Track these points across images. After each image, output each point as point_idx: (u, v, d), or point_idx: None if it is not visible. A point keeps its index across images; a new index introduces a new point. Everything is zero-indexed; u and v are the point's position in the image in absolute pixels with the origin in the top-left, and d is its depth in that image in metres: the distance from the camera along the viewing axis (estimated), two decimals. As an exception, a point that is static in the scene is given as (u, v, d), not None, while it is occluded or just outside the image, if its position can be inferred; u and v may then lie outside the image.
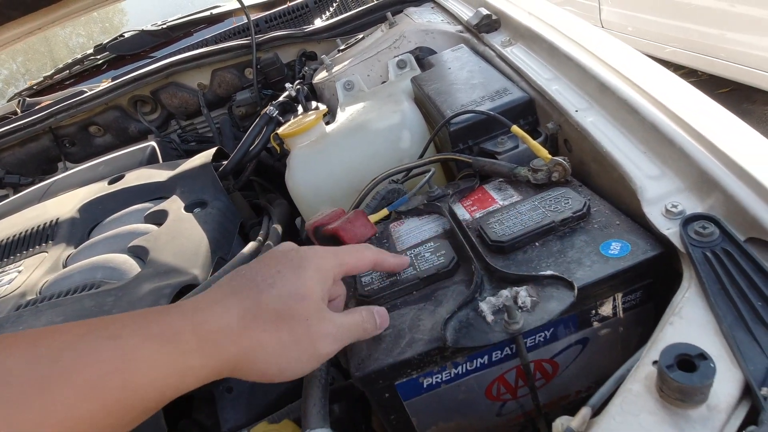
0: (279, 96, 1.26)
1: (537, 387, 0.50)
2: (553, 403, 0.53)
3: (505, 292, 0.46)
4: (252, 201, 0.98)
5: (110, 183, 0.97)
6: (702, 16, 2.20)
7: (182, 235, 0.76)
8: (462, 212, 0.62)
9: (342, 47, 1.13)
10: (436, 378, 0.47)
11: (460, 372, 0.47)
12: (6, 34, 1.19)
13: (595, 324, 0.48)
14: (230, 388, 0.62)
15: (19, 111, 1.36)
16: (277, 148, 0.85)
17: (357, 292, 0.53)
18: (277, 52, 1.23)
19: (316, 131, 0.82)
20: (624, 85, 0.59)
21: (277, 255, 0.40)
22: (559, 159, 0.58)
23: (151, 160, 1.10)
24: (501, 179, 0.66)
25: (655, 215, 0.45)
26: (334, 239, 0.57)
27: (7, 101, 1.54)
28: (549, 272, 0.46)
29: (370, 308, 0.44)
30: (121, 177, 0.98)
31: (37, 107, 1.31)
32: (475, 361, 0.47)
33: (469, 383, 0.48)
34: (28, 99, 1.39)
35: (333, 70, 1.01)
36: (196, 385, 0.33)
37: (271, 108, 0.90)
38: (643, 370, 0.34)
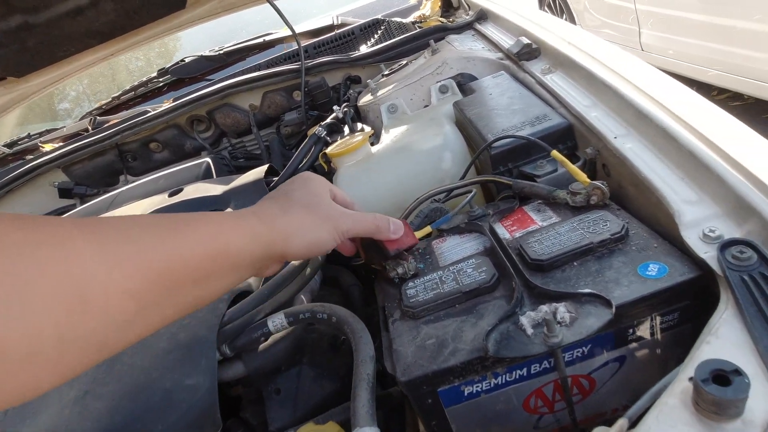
0: (325, 117, 1.34)
1: (574, 402, 0.52)
2: (589, 419, 0.55)
3: (545, 308, 0.49)
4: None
5: (170, 195, 1.05)
6: (747, 40, 2.16)
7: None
8: (502, 231, 0.65)
9: (386, 72, 1.19)
10: (477, 387, 0.50)
11: (499, 383, 0.50)
12: (84, 59, 1.32)
13: (633, 343, 0.50)
14: (278, 390, 0.66)
15: (90, 128, 1.49)
16: (325, 167, 0.91)
17: (402, 303, 0.56)
18: (324, 76, 1.31)
19: (362, 152, 0.87)
20: (661, 113, 0.61)
21: (290, 180, 0.56)
22: (597, 183, 0.61)
23: (206, 175, 1.18)
24: (540, 201, 0.69)
25: (692, 239, 0.47)
26: (376, 246, 0.61)
27: (80, 119, 1.68)
28: (587, 290, 0.48)
29: (386, 216, 0.56)
30: (180, 190, 1.06)
31: (105, 125, 1.43)
32: (514, 372, 0.50)
33: (508, 394, 0.51)
34: (98, 117, 1.52)
35: (378, 94, 1.07)
36: (259, 252, 0.44)
37: (320, 129, 0.96)
38: (679, 385, 0.36)
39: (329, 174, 0.99)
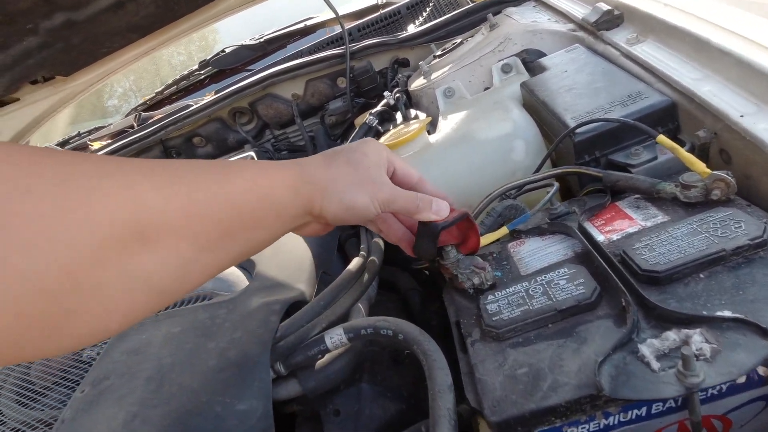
0: (371, 104, 1.25)
1: (703, 447, 0.42)
2: (717, 465, 0.45)
3: (672, 335, 0.39)
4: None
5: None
6: None
7: (285, 248, 0.76)
8: (594, 233, 0.55)
9: (438, 53, 1.09)
10: (582, 428, 0.41)
11: (611, 423, 0.41)
12: (127, 55, 1.30)
13: (787, 378, 0.39)
14: (337, 411, 0.60)
15: (135, 125, 1.48)
16: (378, 160, 0.83)
17: (483, 321, 0.48)
18: (370, 60, 1.22)
19: (419, 142, 0.78)
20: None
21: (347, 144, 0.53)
22: (720, 173, 0.49)
23: (250, 170, 1.13)
24: (638, 196, 0.58)
25: None
26: (426, 230, 0.52)
27: (125, 116, 1.69)
28: (729, 313, 0.38)
29: (429, 197, 0.50)
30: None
31: (150, 121, 1.41)
32: (630, 412, 0.40)
33: (620, 436, 0.42)
34: (142, 113, 1.51)
35: (431, 77, 0.97)
36: (300, 203, 0.43)
37: (371, 117, 0.88)
38: None
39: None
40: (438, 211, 0.50)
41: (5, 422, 0.61)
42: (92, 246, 0.27)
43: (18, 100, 1.40)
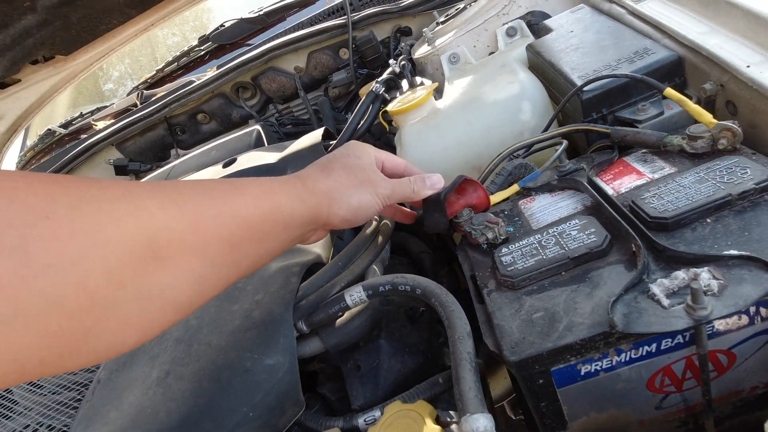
0: (375, 75, 1.25)
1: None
2: (722, 398, 0.47)
3: (681, 274, 0.41)
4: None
5: (224, 166, 1.02)
6: None
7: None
8: (604, 187, 0.56)
9: (441, 19, 1.08)
10: (596, 365, 0.43)
11: (622, 360, 0.43)
12: (126, 32, 1.29)
13: (789, 312, 0.41)
14: (358, 366, 0.63)
15: (138, 103, 1.48)
16: (386, 126, 0.84)
17: (498, 272, 0.50)
18: (372, 30, 1.22)
19: (427, 107, 0.79)
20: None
21: (337, 149, 0.56)
22: (727, 123, 0.51)
23: (257, 143, 1.14)
24: (645, 150, 0.60)
25: None
26: (431, 202, 0.56)
27: (127, 95, 1.68)
28: (735, 252, 0.40)
29: (421, 175, 0.55)
30: (234, 160, 1.03)
31: (153, 99, 1.41)
32: (641, 348, 0.43)
33: (631, 373, 0.44)
34: (145, 92, 1.51)
35: (436, 44, 0.97)
36: (307, 214, 0.45)
37: (377, 85, 0.89)
38: None
39: (390, 134, 0.93)
40: (433, 184, 0.55)
41: (43, 385, 0.64)
42: (109, 266, 0.28)
43: (20, 81, 1.39)
